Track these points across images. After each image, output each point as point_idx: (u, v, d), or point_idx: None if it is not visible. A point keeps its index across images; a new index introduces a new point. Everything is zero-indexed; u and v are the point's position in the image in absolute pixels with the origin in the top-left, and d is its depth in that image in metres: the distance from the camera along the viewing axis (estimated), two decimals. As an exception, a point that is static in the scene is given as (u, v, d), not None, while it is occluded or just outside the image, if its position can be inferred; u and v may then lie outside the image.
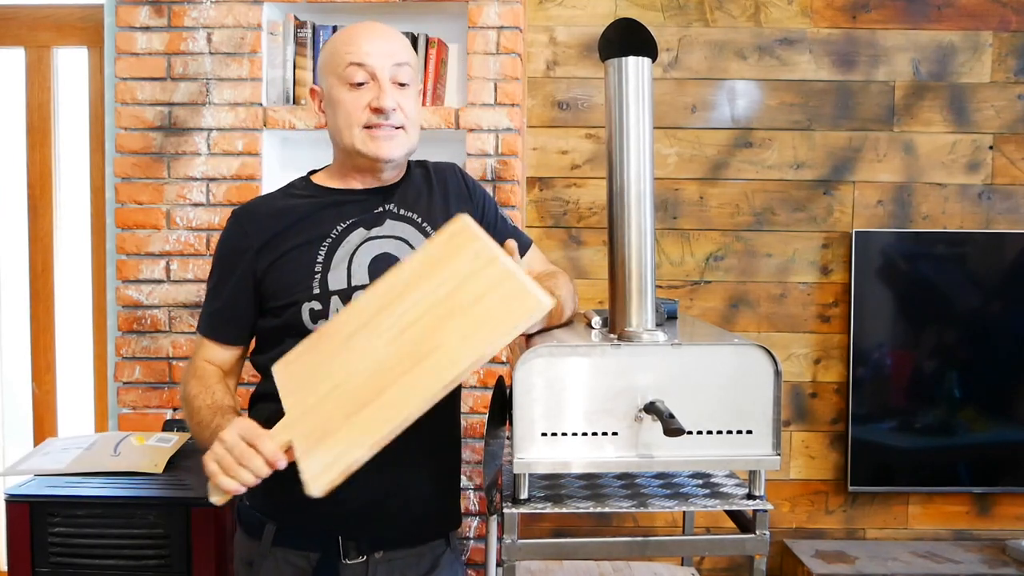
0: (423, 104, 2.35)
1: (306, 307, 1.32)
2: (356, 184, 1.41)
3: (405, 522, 1.37)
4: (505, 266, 1.13)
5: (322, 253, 1.35)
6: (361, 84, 1.33)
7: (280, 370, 1.25)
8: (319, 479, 1.08)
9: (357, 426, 1.10)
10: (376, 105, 1.32)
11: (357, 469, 1.09)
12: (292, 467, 1.38)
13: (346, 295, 1.33)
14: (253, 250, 1.35)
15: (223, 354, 1.40)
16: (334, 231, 1.36)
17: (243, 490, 1.14)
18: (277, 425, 1.17)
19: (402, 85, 1.36)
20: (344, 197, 1.40)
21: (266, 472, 1.13)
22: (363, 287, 1.34)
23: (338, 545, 1.34)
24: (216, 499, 1.17)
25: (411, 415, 1.09)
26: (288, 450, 1.14)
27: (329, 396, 1.15)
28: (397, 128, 1.35)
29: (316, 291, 1.32)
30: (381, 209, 1.40)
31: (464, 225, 1.19)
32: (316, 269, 1.33)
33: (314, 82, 2.31)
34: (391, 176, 1.41)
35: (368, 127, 1.33)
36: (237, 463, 1.12)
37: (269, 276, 1.35)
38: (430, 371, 1.10)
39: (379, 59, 1.33)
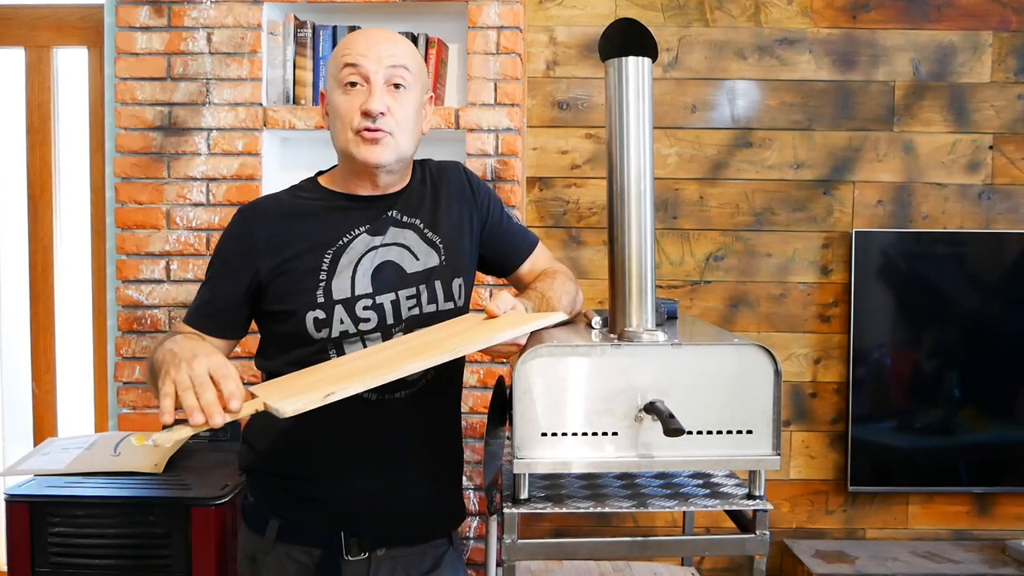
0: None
1: (310, 316, 1.32)
2: (360, 190, 1.40)
3: (408, 520, 1.37)
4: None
5: (327, 260, 1.34)
6: (354, 85, 1.32)
7: (260, 387, 1.19)
8: (287, 404, 1.00)
9: (339, 380, 1.08)
10: (364, 108, 1.31)
11: (331, 403, 1.02)
12: (300, 466, 1.38)
13: (350, 304, 1.33)
14: (258, 251, 1.34)
15: None
16: (339, 238, 1.35)
17: (169, 420, 0.99)
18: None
19: (397, 87, 1.33)
20: (350, 203, 1.39)
21: (217, 413, 0.99)
22: (367, 296, 1.33)
23: (341, 542, 1.34)
24: (157, 436, 0.98)
25: (399, 374, 1.08)
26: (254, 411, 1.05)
27: (311, 380, 1.14)
28: (386, 133, 1.32)
29: (320, 300, 1.32)
30: (385, 216, 1.39)
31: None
32: (320, 277, 1.33)
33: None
34: (391, 182, 1.40)
35: (359, 131, 1.32)
36: (193, 392, 1.01)
37: (274, 280, 1.34)
38: (433, 352, 1.13)
39: (373, 61, 1.32)
